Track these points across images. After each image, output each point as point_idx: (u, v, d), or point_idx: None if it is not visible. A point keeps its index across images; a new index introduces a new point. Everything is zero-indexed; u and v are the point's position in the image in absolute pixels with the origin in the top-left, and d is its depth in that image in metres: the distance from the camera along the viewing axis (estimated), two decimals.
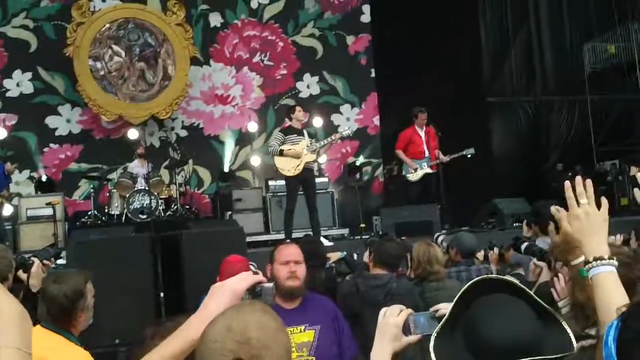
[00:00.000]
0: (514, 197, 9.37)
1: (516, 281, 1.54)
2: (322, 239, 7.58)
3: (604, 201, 1.67)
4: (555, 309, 1.54)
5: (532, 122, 15.49)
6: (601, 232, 1.64)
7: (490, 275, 1.58)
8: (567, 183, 1.70)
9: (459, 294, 1.53)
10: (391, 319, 1.75)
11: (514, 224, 8.14)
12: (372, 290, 3.61)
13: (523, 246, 3.53)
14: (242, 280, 1.43)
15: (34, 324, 2.84)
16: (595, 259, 1.59)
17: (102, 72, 10.61)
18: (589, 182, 1.67)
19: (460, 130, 9.91)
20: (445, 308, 1.72)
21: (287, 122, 7.97)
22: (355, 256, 5.37)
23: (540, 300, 1.50)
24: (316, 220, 7.86)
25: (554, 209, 1.75)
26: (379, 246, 3.94)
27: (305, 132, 7.87)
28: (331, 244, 7.59)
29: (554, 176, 13.70)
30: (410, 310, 1.77)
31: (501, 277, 1.57)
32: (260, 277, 1.50)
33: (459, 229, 7.97)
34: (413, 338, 1.72)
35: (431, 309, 1.78)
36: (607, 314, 1.51)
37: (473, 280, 1.54)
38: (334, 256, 5.21)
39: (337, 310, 3.23)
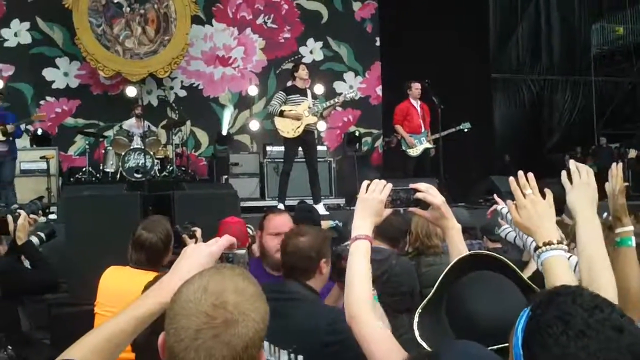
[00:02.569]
0: (513, 175, 9.28)
1: (502, 258, 1.51)
2: (320, 206, 7.47)
3: (548, 191, 1.73)
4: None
5: (536, 100, 15.41)
6: (548, 219, 1.68)
7: (476, 252, 1.56)
8: (511, 178, 1.75)
9: (445, 270, 1.53)
10: (377, 195, 1.83)
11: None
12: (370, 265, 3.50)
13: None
14: (216, 243, 1.39)
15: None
16: (545, 244, 1.61)
17: (101, 27, 10.40)
18: (531, 174, 1.73)
19: (463, 105, 9.78)
20: (423, 188, 1.86)
21: (291, 82, 7.76)
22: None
23: (526, 280, 1.48)
24: (317, 185, 7.69)
25: (511, 180, 1.76)
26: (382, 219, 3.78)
27: (308, 92, 7.64)
28: (327, 213, 7.48)
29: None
30: (390, 185, 1.86)
31: (488, 253, 1.56)
32: (234, 241, 1.44)
33: (455, 204, 7.89)
34: (389, 211, 1.86)
35: (411, 185, 1.90)
36: None
37: (459, 257, 1.53)
38: (325, 225, 5.13)
39: None
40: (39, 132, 9.87)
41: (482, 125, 9.77)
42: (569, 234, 2.59)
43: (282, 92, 7.61)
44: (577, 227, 1.67)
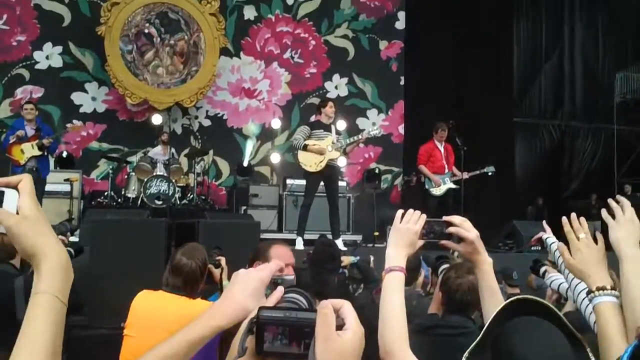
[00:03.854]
0: (534, 220, 9.24)
1: (547, 303, 1.50)
2: (339, 241, 7.46)
3: (600, 237, 1.74)
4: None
5: (557, 146, 15.37)
6: (602, 264, 1.69)
7: (524, 296, 1.54)
8: (564, 218, 1.78)
9: (493, 314, 1.49)
10: (411, 226, 1.83)
11: (532, 247, 8.02)
12: None
13: (542, 269, 3.42)
14: (266, 267, 1.37)
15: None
16: (598, 289, 1.63)
17: (131, 55, 10.61)
18: (583, 219, 1.77)
19: (484, 147, 9.80)
20: (457, 222, 1.85)
21: (316, 116, 7.83)
22: (371, 262, 5.23)
23: (571, 327, 1.47)
24: (337, 219, 7.69)
25: (564, 221, 1.78)
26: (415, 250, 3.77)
27: (333, 128, 7.69)
28: (345, 248, 7.46)
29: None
30: (425, 216, 1.86)
31: (535, 298, 1.54)
32: (282, 265, 1.44)
33: None
34: (421, 242, 1.86)
35: (445, 218, 1.88)
36: (606, 343, 1.58)
37: (507, 301, 1.52)
38: (346, 260, 5.08)
39: None
40: (64, 154, 9.99)
41: (503, 169, 9.75)
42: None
43: (306, 126, 7.68)
44: (621, 265, 1.65)
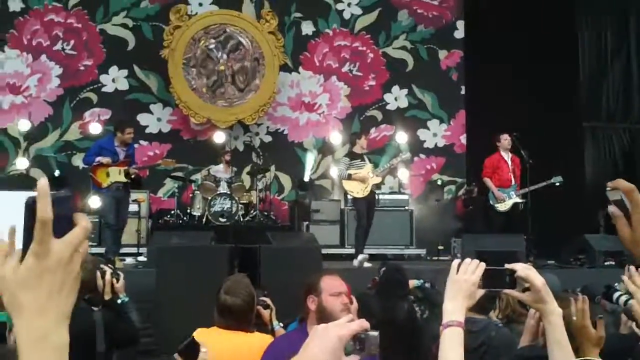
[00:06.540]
0: (607, 233, 8.88)
1: None
2: (361, 257, 7.98)
3: None
4: None
5: (627, 151, 14.74)
6: None
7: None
8: (624, 277, 1.77)
9: None
10: (469, 276, 1.74)
11: (605, 263, 7.72)
12: (466, 335, 3.41)
13: (616, 295, 3.26)
14: (347, 326, 1.33)
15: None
16: None
17: (194, 75, 10.83)
18: None
19: (552, 157, 9.50)
20: (519, 269, 1.77)
21: (351, 148, 8.49)
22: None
23: None
24: (365, 239, 8.28)
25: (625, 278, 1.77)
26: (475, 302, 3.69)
27: (365, 157, 8.30)
28: (370, 264, 7.77)
29: None
30: (483, 265, 1.76)
31: None
32: (365, 324, 1.39)
33: (545, 262, 7.60)
34: (482, 292, 1.77)
35: (507, 266, 1.80)
36: None
37: None
38: (411, 284, 5.01)
39: None
40: (133, 175, 10.23)
41: (572, 178, 9.43)
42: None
43: (346, 158, 8.34)
44: None
